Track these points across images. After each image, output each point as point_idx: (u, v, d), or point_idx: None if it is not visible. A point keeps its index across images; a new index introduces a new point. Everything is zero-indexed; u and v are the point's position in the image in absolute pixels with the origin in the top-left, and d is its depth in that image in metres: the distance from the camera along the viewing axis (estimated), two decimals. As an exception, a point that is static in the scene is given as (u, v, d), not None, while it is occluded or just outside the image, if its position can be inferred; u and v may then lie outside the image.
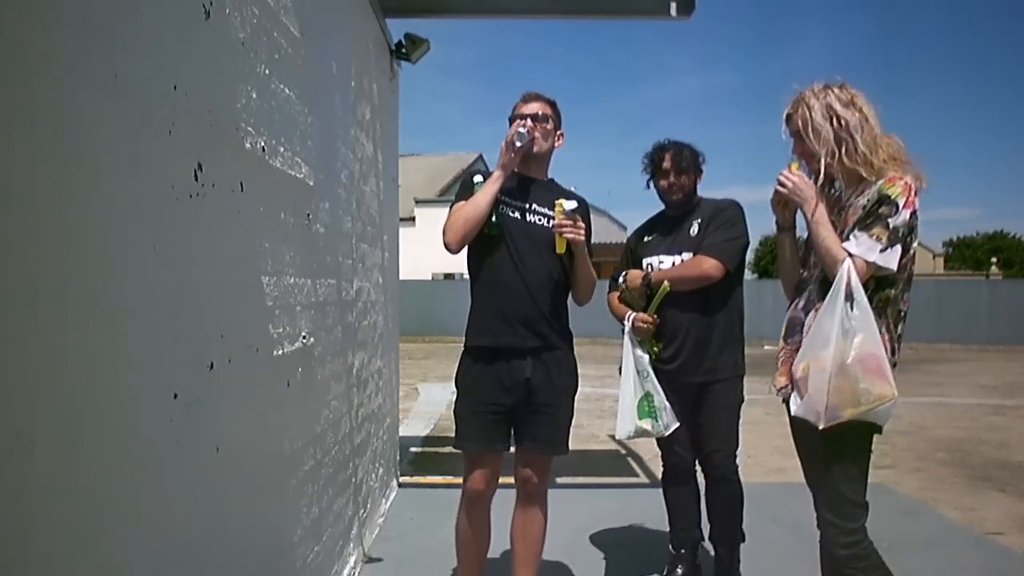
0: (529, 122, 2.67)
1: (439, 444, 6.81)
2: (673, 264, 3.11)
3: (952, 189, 79.82)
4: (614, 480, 5.55)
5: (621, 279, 3.21)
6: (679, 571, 3.21)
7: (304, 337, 2.40)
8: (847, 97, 2.14)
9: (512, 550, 2.75)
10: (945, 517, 4.52)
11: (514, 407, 2.63)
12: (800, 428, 2.17)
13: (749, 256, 5.20)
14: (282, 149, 2.15)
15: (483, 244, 2.67)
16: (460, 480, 2.79)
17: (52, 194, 1.07)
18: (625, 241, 3.48)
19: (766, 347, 14.50)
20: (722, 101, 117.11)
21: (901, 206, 2.02)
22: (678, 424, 2.99)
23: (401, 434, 5.23)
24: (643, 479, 5.56)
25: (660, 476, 3.33)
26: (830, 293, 2.03)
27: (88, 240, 1.16)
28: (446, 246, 2.67)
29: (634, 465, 6.05)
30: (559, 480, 4.67)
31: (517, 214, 2.68)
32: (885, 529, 2.48)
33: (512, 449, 2.72)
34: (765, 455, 6.32)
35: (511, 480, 2.74)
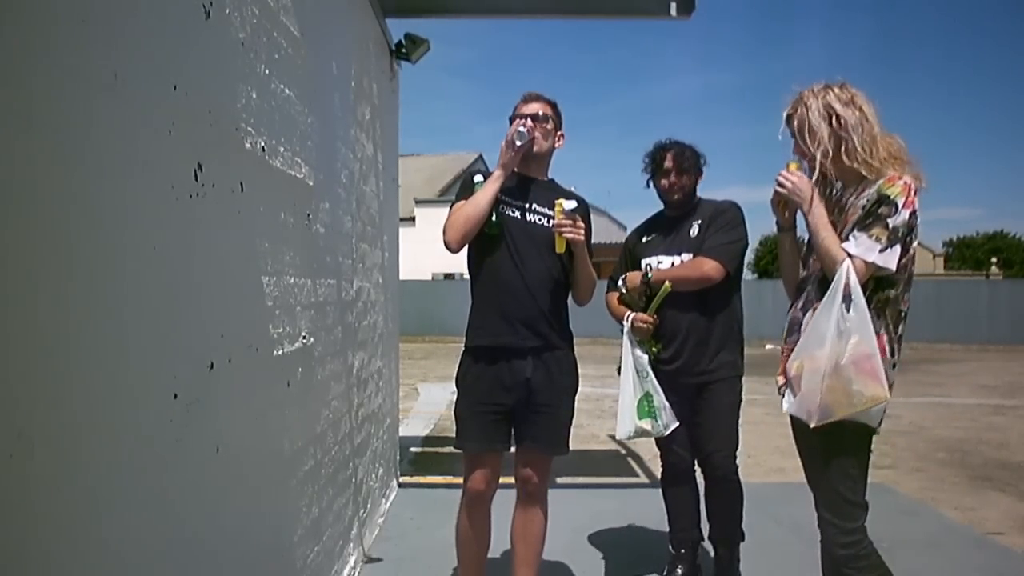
0: (529, 121, 2.68)
1: (439, 444, 6.81)
2: (672, 264, 3.11)
3: (952, 189, 79.92)
4: (614, 480, 5.55)
5: (620, 280, 3.21)
6: (679, 571, 3.21)
7: (304, 337, 2.40)
8: (847, 96, 2.14)
9: (512, 550, 2.75)
10: (945, 517, 4.52)
11: (515, 407, 2.64)
12: (800, 427, 2.17)
13: (749, 256, 5.21)
14: (282, 149, 2.15)
15: (483, 244, 2.67)
16: (460, 480, 2.79)
17: (52, 194, 1.07)
18: (624, 241, 3.48)
19: (768, 347, 14.53)
20: (722, 101, 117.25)
21: (900, 206, 2.02)
22: (677, 424, 2.99)
23: (401, 434, 5.23)
24: (643, 479, 5.56)
25: (659, 476, 3.34)
26: (828, 293, 2.03)
27: (88, 240, 1.16)
28: (446, 245, 2.67)
29: (634, 465, 6.05)
30: (559, 480, 4.67)
31: (517, 214, 2.68)
32: (885, 529, 2.47)
33: (512, 449, 2.72)
34: (765, 455, 6.32)
35: (511, 480, 2.74)
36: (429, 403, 9.56)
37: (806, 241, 2.27)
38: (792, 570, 3.20)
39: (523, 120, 2.68)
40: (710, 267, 3.00)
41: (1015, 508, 5.10)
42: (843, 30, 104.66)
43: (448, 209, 2.73)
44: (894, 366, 2.09)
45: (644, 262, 3.18)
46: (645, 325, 3.03)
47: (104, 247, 1.21)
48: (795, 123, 2.19)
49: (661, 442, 3.18)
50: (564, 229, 2.62)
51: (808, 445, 2.20)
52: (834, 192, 2.24)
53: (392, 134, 4.64)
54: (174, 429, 1.44)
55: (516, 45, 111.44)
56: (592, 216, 2.86)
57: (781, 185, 2.21)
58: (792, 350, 2.19)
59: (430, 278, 23.13)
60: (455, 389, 2.76)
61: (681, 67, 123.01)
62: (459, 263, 2.91)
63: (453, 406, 2.78)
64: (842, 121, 2.11)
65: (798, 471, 2.32)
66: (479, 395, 2.65)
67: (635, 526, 4.03)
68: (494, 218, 2.64)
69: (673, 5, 4.18)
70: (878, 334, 2.03)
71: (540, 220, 2.68)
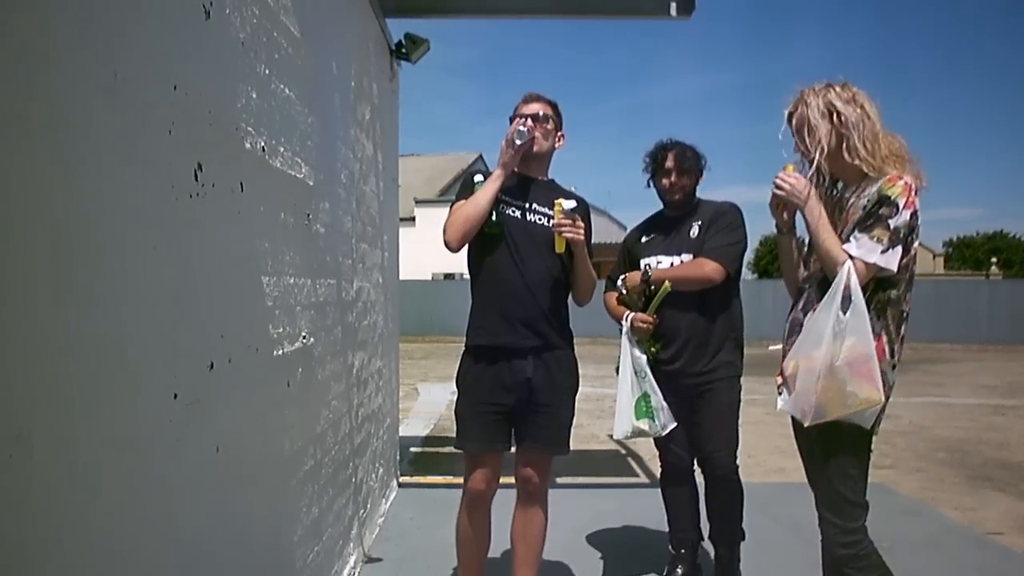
0: (529, 121, 2.68)
1: (439, 444, 6.82)
2: (672, 265, 3.11)
3: (952, 189, 79.96)
4: (614, 480, 5.55)
5: (620, 280, 3.21)
6: (679, 571, 3.21)
7: (304, 337, 2.40)
8: (848, 94, 2.14)
9: (512, 550, 2.75)
10: (945, 517, 4.52)
11: (515, 407, 2.63)
12: (801, 427, 2.17)
13: (749, 256, 5.22)
14: (282, 149, 2.15)
15: (483, 243, 2.67)
16: (460, 480, 2.79)
17: (52, 194, 1.07)
18: (622, 241, 3.47)
19: (770, 348, 14.52)
20: (722, 101, 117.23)
21: (901, 207, 2.01)
22: (675, 424, 3.00)
23: (401, 434, 5.23)
24: (643, 479, 5.56)
25: (659, 476, 3.34)
26: (828, 294, 2.03)
27: (88, 240, 1.16)
28: (446, 244, 2.68)
29: (634, 465, 6.05)
30: (559, 480, 4.67)
31: (517, 213, 2.68)
32: (885, 529, 2.48)
33: (513, 449, 2.72)
34: (765, 455, 6.32)
35: (511, 480, 2.74)
36: (429, 403, 9.56)
37: (807, 242, 2.27)
38: (792, 570, 3.20)
39: (523, 120, 2.68)
40: (711, 268, 3.00)
41: (1015, 508, 5.10)
42: (843, 30, 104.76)
43: (448, 209, 2.73)
44: (894, 367, 2.09)
45: (643, 262, 3.17)
46: (645, 325, 3.03)
47: (104, 247, 1.21)
48: (795, 121, 2.19)
49: (660, 442, 3.18)
50: (564, 229, 2.62)
51: (808, 444, 2.20)
52: (834, 192, 2.24)
53: (392, 134, 4.64)
54: (174, 429, 1.44)
55: (516, 45, 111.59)
56: (592, 216, 2.86)
57: (779, 187, 2.21)
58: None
59: (430, 278, 23.13)
60: (455, 389, 2.76)
61: (681, 67, 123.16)
62: (459, 263, 2.91)
63: (453, 406, 2.78)
64: (843, 118, 2.11)
65: (798, 471, 2.32)
66: (479, 395, 2.65)
67: (635, 526, 4.03)
68: (494, 218, 2.64)
69: (673, 5, 4.18)
70: (878, 335, 2.03)
71: (540, 220, 2.68)
